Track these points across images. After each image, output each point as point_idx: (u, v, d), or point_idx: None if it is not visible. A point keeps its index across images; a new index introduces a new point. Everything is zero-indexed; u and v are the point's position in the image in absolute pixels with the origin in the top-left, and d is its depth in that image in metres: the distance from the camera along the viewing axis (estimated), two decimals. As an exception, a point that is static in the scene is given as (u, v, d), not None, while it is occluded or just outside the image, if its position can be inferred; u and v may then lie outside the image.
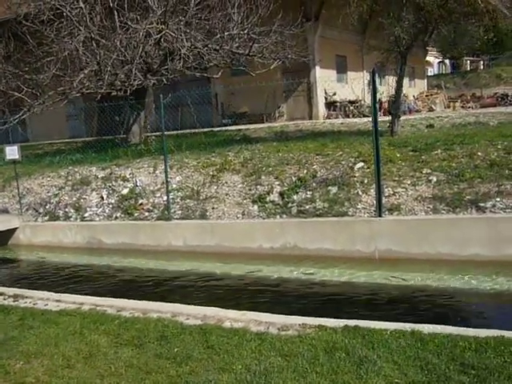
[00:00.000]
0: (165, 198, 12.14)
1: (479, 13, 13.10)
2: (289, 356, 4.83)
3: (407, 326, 5.05)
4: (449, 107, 28.82)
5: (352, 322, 5.34)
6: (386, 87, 23.83)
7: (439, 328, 4.97)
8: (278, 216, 10.71)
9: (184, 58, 16.12)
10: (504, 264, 8.14)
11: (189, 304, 6.94)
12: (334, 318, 5.81)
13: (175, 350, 5.26)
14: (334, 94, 25.62)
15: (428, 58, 44.14)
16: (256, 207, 11.24)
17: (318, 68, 25.14)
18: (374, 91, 8.97)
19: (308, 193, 11.07)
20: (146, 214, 12.38)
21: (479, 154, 10.86)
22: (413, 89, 34.22)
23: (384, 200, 9.86)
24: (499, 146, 11.06)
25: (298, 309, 7.41)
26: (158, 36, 15.92)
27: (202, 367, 4.86)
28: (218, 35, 16.32)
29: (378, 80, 28.96)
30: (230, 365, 4.82)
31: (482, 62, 51.13)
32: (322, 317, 5.87)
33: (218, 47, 16.64)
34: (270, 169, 12.31)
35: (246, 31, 16.37)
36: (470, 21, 14.26)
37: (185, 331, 5.73)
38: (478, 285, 7.77)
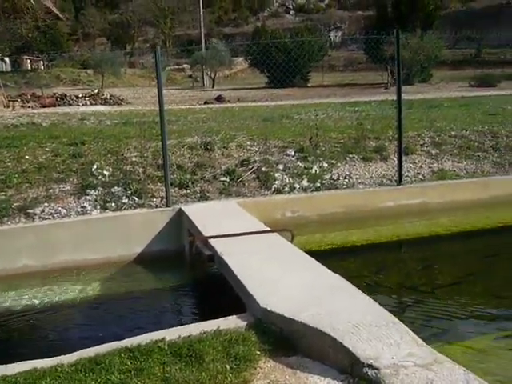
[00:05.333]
0: None
1: (19, 11, 12.58)
2: None
3: None
4: (8, 107, 27.58)
5: None
6: None
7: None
8: None
9: None
10: (50, 273, 7.93)
11: None
12: None
13: None
14: None
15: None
16: None
17: None
18: None
19: None
20: None
21: (27, 157, 10.42)
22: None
23: None
24: (47, 149, 10.87)
25: None
26: None
27: None
28: None
29: None
30: None
31: (42, 62, 51.07)
32: None
33: None
34: None
35: None
36: (11, 17, 13.60)
37: None
38: (27, 300, 7.30)
